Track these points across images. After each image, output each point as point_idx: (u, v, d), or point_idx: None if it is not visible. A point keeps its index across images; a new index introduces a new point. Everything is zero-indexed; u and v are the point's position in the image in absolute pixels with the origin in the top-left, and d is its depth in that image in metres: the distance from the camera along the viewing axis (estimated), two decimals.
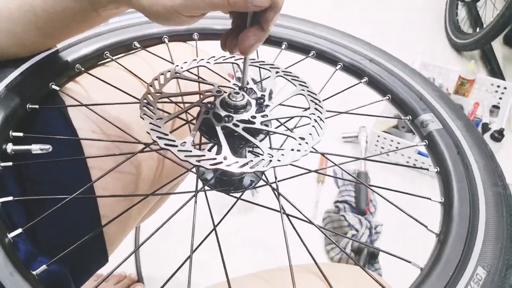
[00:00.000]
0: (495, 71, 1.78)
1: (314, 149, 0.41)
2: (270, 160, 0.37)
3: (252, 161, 0.36)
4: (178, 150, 0.36)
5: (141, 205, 0.55)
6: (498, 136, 1.34)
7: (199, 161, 0.36)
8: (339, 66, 0.56)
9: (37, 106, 0.44)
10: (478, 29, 1.83)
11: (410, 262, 0.38)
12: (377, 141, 1.39)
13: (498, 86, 1.57)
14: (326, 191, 1.28)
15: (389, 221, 1.19)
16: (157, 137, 0.37)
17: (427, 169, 0.46)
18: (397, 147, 1.36)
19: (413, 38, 2.03)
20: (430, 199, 0.43)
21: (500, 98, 1.57)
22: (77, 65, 0.50)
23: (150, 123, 0.39)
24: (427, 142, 0.48)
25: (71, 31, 0.43)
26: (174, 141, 0.37)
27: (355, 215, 1.16)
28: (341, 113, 0.49)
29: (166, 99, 0.43)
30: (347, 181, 1.25)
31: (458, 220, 0.40)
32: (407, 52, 1.81)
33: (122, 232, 0.52)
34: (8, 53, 0.43)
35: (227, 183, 0.46)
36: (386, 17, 2.17)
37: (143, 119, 0.39)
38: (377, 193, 0.43)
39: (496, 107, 1.57)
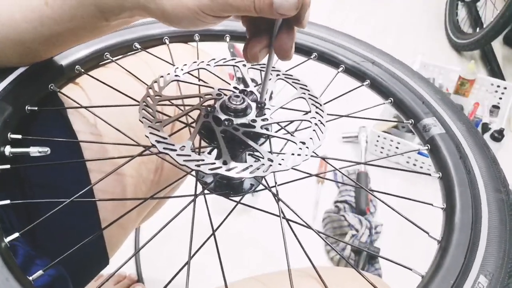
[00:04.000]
0: (495, 71, 1.76)
1: (315, 153, 0.41)
2: (270, 165, 0.36)
3: (252, 165, 0.36)
4: (177, 154, 0.36)
5: (141, 208, 0.54)
6: (498, 136, 1.33)
7: (198, 165, 0.35)
8: (341, 68, 0.55)
9: (36, 108, 0.44)
10: (478, 29, 1.80)
11: (411, 270, 0.38)
12: (377, 141, 1.38)
13: (498, 86, 1.55)
14: (326, 191, 1.27)
15: (389, 221, 1.19)
16: (156, 141, 0.37)
17: (429, 174, 0.45)
18: (397, 147, 1.35)
19: (413, 38, 2.01)
20: (432, 204, 0.43)
21: (500, 98, 1.55)
22: (77, 66, 0.49)
23: (149, 126, 0.38)
24: (429, 146, 0.47)
25: (78, 40, 0.42)
26: (173, 145, 0.37)
27: (355, 215, 1.15)
28: (341, 116, 0.48)
29: (165, 102, 0.42)
30: (347, 181, 1.24)
31: (460, 226, 0.39)
32: (407, 52, 1.80)
33: (122, 234, 0.51)
34: (11, 62, 0.42)
35: (226, 186, 0.45)
36: (386, 17, 2.15)
37: (142, 122, 0.38)
38: (378, 198, 0.42)
39: (496, 107, 1.55)
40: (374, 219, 1.17)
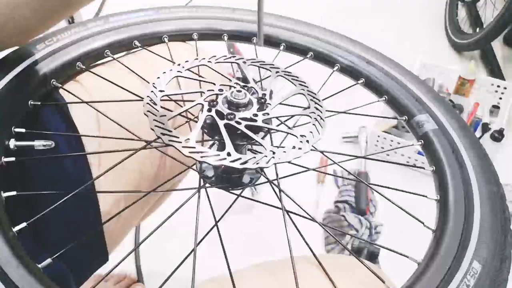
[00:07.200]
0: (495, 71, 1.83)
1: (314, 147, 0.43)
2: (272, 157, 0.38)
3: (255, 157, 0.38)
4: (182, 147, 0.38)
5: (142, 203, 0.55)
6: (498, 136, 1.36)
7: (203, 157, 0.37)
8: (336, 67, 0.58)
9: (39, 103, 0.45)
10: (478, 29, 1.87)
11: (407, 257, 0.40)
12: (377, 141, 1.43)
13: (498, 86, 1.62)
14: (326, 191, 1.31)
15: (389, 221, 1.22)
16: (161, 133, 0.38)
17: (423, 168, 0.48)
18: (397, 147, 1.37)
19: (413, 38, 2.08)
20: (426, 196, 0.45)
21: (500, 98, 1.61)
22: (78, 63, 0.51)
23: (154, 119, 0.40)
24: (423, 142, 0.50)
25: (66, 9, 0.43)
26: (178, 137, 0.38)
27: (355, 215, 1.19)
28: (339, 112, 0.51)
29: (167, 98, 0.44)
30: (347, 181, 1.27)
31: (453, 216, 0.42)
32: (407, 52, 1.84)
33: (123, 230, 0.53)
34: (11, 42, 0.43)
35: (227, 181, 0.47)
36: (386, 17, 2.21)
37: (147, 116, 0.40)
38: (376, 190, 0.44)
39: (496, 107, 1.61)
40: (374, 219, 1.20)
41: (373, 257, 1.07)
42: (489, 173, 0.47)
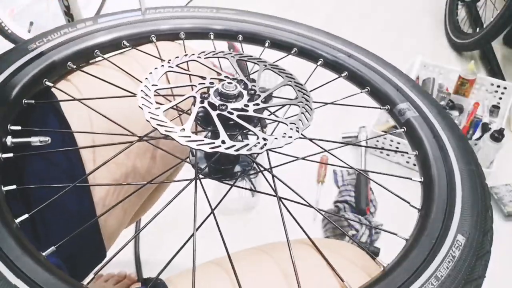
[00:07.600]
0: (495, 71, 1.92)
1: (303, 135, 0.45)
2: (265, 144, 0.40)
3: (248, 144, 0.39)
4: (179, 136, 0.39)
5: (136, 197, 0.57)
6: (498, 136, 1.40)
7: (199, 145, 0.38)
8: (320, 62, 0.61)
9: (33, 101, 0.46)
10: (478, 29, 1.97)
11: (396, 234, 0.42)
12: (377, 141, 1.49)
13: (498, 86, 1.70)
14: (326, 191, 1.37)
15: (389, 221, 1.24)
16: (157, 124, 0.40)
17: (407, 152, 0.51)
18: (397, 147, 1.47)
19: (413, 38, 2.19)
20: (410, 179, 0.48)
21: (500, 98, 1.70)
22: (69, 63, 0.52)
23: (149, 112, 0.41)
24: (405, 128, 0.53)
25: None
26: (173, 127, 0.40)
27: (355, 215, 1.22)
28: (327, 103, 0.53)
29: (161, 92, 0.45)
30: (347, 181, 1.32)
31: (437, 195, 0.46)
32: (407, 52, 1.93)
33: (119, 225, 0.54)
34: None
35: (219, 172, 0.49)
36: (386, 17, 2.33)
37: (141, 108, 0.41)
38: (368, 177, 0.47)
39: (496, 107, 1.69)
40: (374, 219, 1.25)
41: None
42: (468, 154, 0.50)
